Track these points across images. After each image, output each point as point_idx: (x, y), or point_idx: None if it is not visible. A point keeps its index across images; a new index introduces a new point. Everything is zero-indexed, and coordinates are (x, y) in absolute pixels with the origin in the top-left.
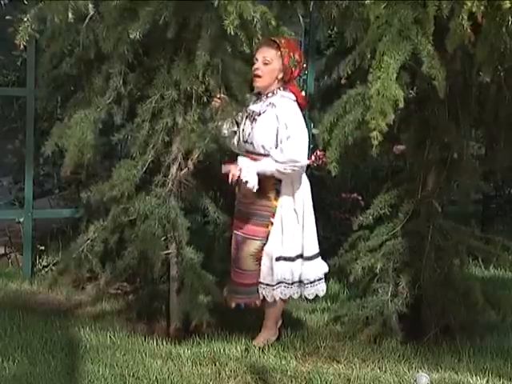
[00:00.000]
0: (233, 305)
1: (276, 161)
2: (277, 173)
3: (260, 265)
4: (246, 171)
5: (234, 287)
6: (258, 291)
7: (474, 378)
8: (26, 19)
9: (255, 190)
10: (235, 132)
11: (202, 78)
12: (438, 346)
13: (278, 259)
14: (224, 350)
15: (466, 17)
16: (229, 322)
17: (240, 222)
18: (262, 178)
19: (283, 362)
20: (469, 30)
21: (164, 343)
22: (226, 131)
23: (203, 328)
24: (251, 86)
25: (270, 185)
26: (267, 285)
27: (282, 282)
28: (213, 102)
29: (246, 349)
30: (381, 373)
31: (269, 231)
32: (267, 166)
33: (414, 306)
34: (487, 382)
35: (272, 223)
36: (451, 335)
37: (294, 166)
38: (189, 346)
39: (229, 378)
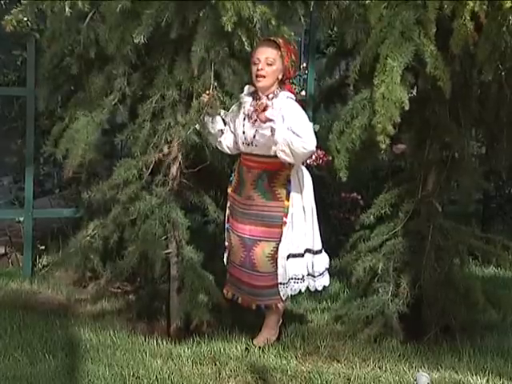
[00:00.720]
0: (253, 306)
1: (294, 132)
2: (285, 146)
3: (277, 266)
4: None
5: (251, 290)
6: (279, 292)
7: (474, 377)
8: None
9: (262, 117)
10: (221, 131)
11: (196, 73)
12: (439, 345)
13: (288, 257)
14: (224, 350)
15: (468, 17)
16: (229, 322)
17: (247, 225)
18: (271, 179)
19: (283, 362)
20: (472, 30)
21: (164, 343)
22: (211, 128)
23: (203, 327)
24: (243, 85)
25: (279, 185)
26: (281, 283)
27: (292, 279)
28: (201, 97)
29: (247, 348)
30: (381, 372)
31: (282, 231)
32: (284, 132)
33: (415, 306)
34: (487, 381)
35: (285, 223)
36: (451, 335)
37: (304, 146)
38: (189, 346)
39: (229, 377)
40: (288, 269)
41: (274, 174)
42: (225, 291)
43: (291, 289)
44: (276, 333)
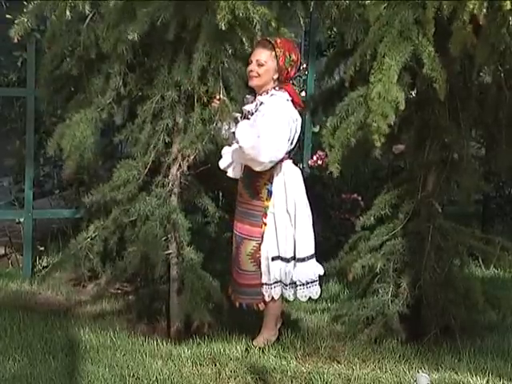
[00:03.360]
0: (237, 304)
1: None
2: (238, 158)
3: (260, 266)
4: (223, 158)
5: (236, 287)
6: (262, 294)
7: (474, 378)
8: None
9: (232, 176)
10: (234, 133)
11: (197, 80)
12: (438, 346)
13: (274, 259)
14: (224, 351)
15: (467, 19)
16: (229, 323)
17: (238, 222)
18: (254, 178)
19: (283, 363)
20: (471, 33)
21: (164, 343)
22: (224, 133)
23: (203, 328)
24: (249, 87)
25: (262, 185)
26: (265, 284)
27: (279, 282)
28: (212, 104)
29: (246, 349)
30: (381, 373)
31: (263, 231)
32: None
33: (415, 307)
34: (487, 382)
35: (265, 223)
36: (451, 335)
37: (240, 148)
38: (189, 347)
39: (229, 378)
40: (273, 270)
41: (258, 173)
42: (230, 290)
43: (278, 291)
44: (275, 333)
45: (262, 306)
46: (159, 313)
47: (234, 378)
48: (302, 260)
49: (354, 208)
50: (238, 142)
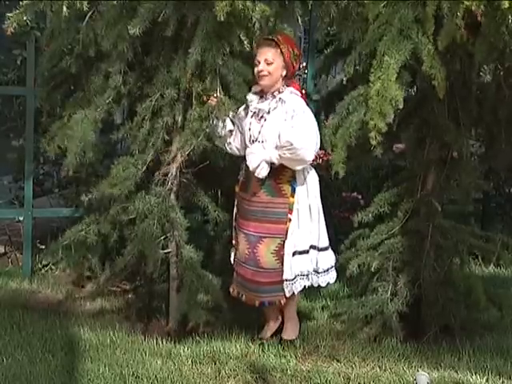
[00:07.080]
0: (257, 303)
1: (275, 146)
2: (280, 159)
3: (282, 262)
4: (251, 157)
5: (254, 286)
6: (283, 289)
7: (474, 376)
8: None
9: (261, 177)
10: (231, 132)
11: (191, 75)
12: (438, 344)
13: (293, 254)
14: (224, 349)
15: (461, 15)
16: (228, 321)
17: (252, 222)
18: (277, 176)
19: (283, 361)
20: (463, 29)
21: (164, 342)
22: (221, 131)
23: (203, 327)
24: (250, 85)
25: (284, 182)
26: (286, 280)
27: (298, 275)
28: (209, 101)
29: (246, 347)
30: (381, 372)
31: (287, 228)
32: (271, 153)
33: (414, 305)
34: (487, 380)
35: (290, 220)
36: (451, 334)
37: (290, 150)
38: (188, 345)
39: (229, 376)
40: (293, 266)
41: (280, 171)
42: (231, 289)
43: (299, 285)
44: (298, 321)
45: (283, 301)
46: (159, 311)
47: (234, 377)
48: (324, 249)
49: (354, 207)
50: (290, 144)
